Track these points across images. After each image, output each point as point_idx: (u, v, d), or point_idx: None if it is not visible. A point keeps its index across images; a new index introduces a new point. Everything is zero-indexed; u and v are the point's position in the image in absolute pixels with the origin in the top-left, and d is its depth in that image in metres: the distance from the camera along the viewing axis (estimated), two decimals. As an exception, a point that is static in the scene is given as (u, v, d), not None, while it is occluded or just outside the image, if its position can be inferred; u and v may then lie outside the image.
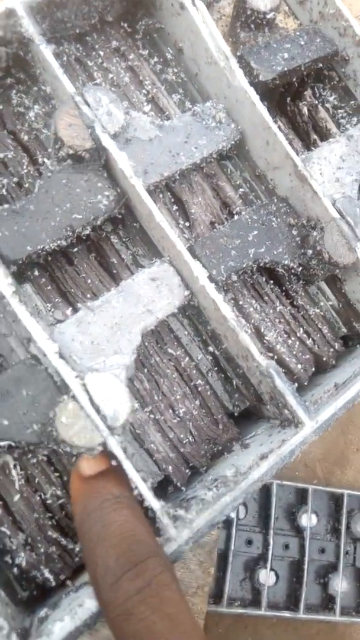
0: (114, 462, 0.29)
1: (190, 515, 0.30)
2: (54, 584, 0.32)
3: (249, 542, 1.21)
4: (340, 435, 1.49)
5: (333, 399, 0.33)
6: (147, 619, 0.23)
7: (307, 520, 1.30)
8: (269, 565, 1.20)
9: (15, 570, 0.32)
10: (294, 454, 0.31)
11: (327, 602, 1.15)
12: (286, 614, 1.08)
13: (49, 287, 0.35)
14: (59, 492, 0.33)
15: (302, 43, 0.38)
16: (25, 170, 0.36)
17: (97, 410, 0.30)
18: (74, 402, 0.30)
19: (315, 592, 1.16)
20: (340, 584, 1.24)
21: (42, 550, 0.32)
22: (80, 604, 0.28)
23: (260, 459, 0.31)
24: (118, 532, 0.26)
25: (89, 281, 0.36)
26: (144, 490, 0.30)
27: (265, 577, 1.22)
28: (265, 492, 1.28)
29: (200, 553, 0.70)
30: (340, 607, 1.12)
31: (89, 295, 0.36)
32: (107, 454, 0.30)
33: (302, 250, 0.36)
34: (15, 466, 0.33)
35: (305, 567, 1.23)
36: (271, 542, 1.22)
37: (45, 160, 0.34)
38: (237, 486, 0.30)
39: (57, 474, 0.33)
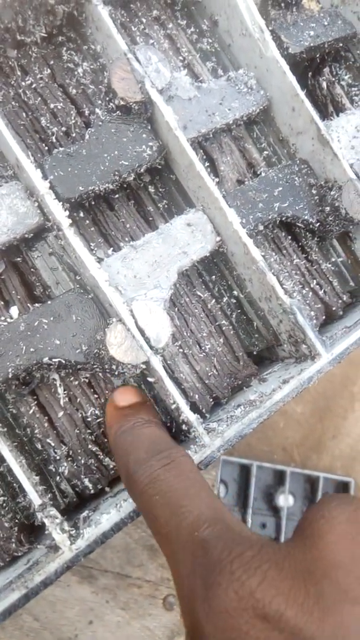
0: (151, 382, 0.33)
1: (221, 428, 0.34)
2: (92, 491, 0.35)
3: (229, 521, 1.25)
4: (317, 422, 1.55)
5: (346, 335, 0.37)
6: (169, 480, 0.27)
7: (284, 500, 1.35)
8: (246, 543, 1.25)
9: (58, 478, 0.35)
10: (312, 381, 0.36)
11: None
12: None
13: (92, 229, 0.38)
14: (97, 412, 0.36)
15: (325, 24, 0.42)
16: (73, 121, 0.39)
17: (142, 333, 0.33)
18: (122, 324, 0.33)
19: (289, 571, 1.21)
20: (313, 563, 1.29)
21: (82, 461, 0.35)
22: (125, 499, 0.32)
23: (283, 383, 0.35)
24: (148, 438, 0.30)
25: (128, 226, 0.39)
26: (182, 403, 0.33)
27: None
28: (245, 473, 1.33)
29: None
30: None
31: (127, 239, 0.39)
32: (138, 390, 0.35)
33: (320, 208, 0.40)
34: (60, 385, 0.36)
35: (281, 545, 1.28)
36: (249, 520, 1.27)
37: (97, 110, 0.37)
38: (263, 404, 0.34)
39: (96, 396, 0.37)
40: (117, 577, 0.66)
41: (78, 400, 0.36)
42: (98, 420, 0.36)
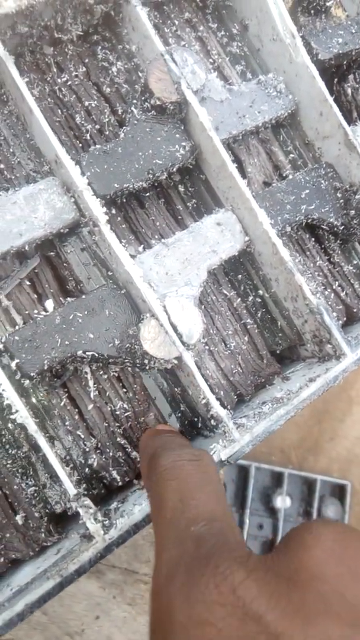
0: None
1: (250, 423, 0.34)
2: (120, 483, 0.36)
3: (226, 521, 1.26)
4: (315, 424, 1.57)
5: (370, 336, 0.38)
6: (190, 471, 0.27)
7: (282, 502, 1.36)
8: (243, 543, 1.26)
9: (87, 470, 0.36)
10: (337, 380, 0.36)
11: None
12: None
13: (123, 226, 0.39)
14: (126, 406, 0.37)
15: (353, 31, 0.43)
16: (107, 119, 0.39)
17: (175, 329, 0.34)
18: (156, 319, 0.34)
19: (285, 572, 1.22)
20: (309, 565, 1.30)
21: (110, 454, 0.36)
22: (156, 491, 0.32)
23: (309, 381, 0.36)
24: (182, 441, 0.31)
25: (157, 224, 0.40)
26: (212, 398, 0.34)
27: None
28: (243, 473, 1.33)
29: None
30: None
31: (156, 236, 0.40)
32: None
33: (345, 211, 0.41)
34: (90, 379, 0.36)
35: (278, 546, 1.29)
36: (247, 521, 1.28)
37: (133, 109, 0.38)
38: (290, 402, 0.35)
39: (124, 390, 0.37)
40: (125, 572, 0.66)
41: (107, 393, 0.37)
42: (126, 414, 0.37)
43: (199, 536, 0.23)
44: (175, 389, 0.38)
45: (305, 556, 0.21)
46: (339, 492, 1.43)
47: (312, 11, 0.43)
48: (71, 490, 0.31)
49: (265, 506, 1.34)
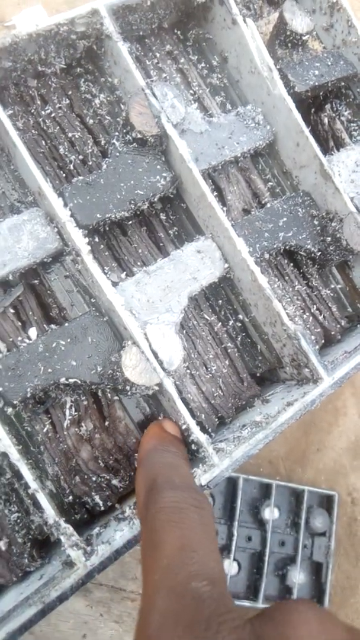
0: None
1: (229, 448, 0.35)
2: (102, 508, 0.36)
3: (214, 533, 1.26)
4: (302, 435, 1.57)
5: (346, 360, 0.39)
6: (194, 521, 0.27)
7: (270, 513, 1.36)
8: (232, 556, 1.26)
9: (70, 495, 0.36)
10: (314, 404, 0.37)
11: (285, 593, 1.22)
12: (246, 603, 1.14)
13: (106, 253, 0.40)
14: (105, 436, 0.37)
15: (329, 63, 0.45)
16: (90, 150, 0.40)
17: (156, 356, 0.35)
18: (137, 346, 0.35)
19: (273, 583, 1.22)
20: (297, 576, 1.31)
21: (93, 479, 0.37)
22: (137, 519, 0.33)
23: (287, 405, 0.37)
24: (185, 472, 0.32)
25: (140, 251, 0.41)
26: (192, 424, 0.35)
27: (228, 567, 1.28)
28: (231, 485, 1.34)
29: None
30: (296, 598, 1.19)
31: (139, 263, 0.41)
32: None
33: (322, 238, 0.42)
34: (71, 407, 0.37)
35: (266, 558, 1.30)
36: (235, 533, 1.28)
37: (115, 141, 0.39)
38: (269, 426, 0.36)
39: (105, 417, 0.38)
40: (112, 590, 0.66)
41: (88, 420, 0.37)
42: (108, 439, 0.37)
43: (199, 595, 0.23)
44: (157, 414, 0.39)
45: (293, 633, 0.22)
46: (327, 503, 1.43)
47: (289, 44, 0.45)
48: (53, 517, 0.32)
49: (253, 518, 1.34)
